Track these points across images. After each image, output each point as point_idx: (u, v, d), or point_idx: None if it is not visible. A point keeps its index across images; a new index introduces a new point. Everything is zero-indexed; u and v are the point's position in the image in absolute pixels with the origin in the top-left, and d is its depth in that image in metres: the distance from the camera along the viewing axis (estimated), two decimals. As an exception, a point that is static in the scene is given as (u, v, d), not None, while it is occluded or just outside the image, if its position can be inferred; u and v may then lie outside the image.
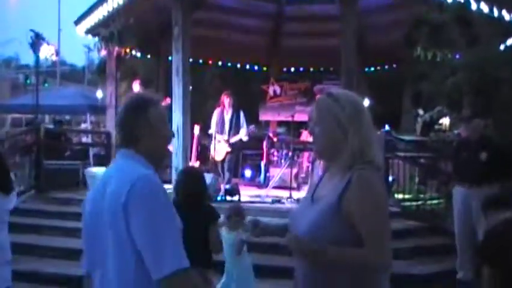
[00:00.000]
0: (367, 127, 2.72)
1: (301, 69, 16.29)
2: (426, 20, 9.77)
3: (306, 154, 12.42)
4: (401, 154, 10.45)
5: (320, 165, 2.98)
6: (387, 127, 12.16)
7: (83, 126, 23.32)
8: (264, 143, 13.34)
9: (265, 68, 16.57)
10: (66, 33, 39.54)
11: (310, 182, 2.69)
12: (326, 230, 2.59)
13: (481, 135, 7.43)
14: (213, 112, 11.68)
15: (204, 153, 11.98)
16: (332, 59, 11.32)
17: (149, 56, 15.08)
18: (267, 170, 12.90)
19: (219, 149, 11.12)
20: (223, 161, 11.18)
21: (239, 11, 13.79)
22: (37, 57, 15.15)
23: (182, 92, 9.78)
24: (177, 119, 9.80)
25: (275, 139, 13.83)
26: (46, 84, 32.49)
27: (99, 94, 24.95)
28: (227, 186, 10.35)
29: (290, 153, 11.94)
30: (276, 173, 12.10)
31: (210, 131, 11.30)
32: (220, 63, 16.40)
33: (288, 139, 12.95)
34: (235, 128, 11.06)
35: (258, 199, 10.46)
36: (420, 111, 17.63)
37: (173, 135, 9.02)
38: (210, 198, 7.36)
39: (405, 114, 19.45)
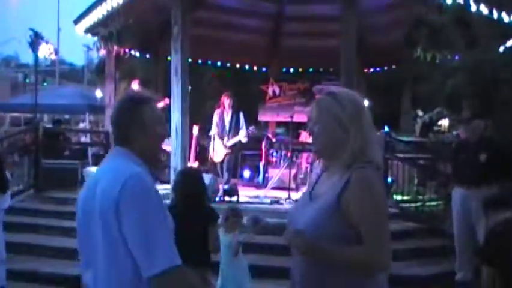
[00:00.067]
0: (368, 126, 2.71)
1: (300, 69, 16.26)
2: (425, 21, 9.76)
3: (305, 155, 12.41)
4: (400, 155, 10.44)
5: (318, 166, 2.96)
6: (386, 128, 12.15)
7: (81, 125, 23.33)
8: (263, 144, 13.33)
9: (264, 69, 16.54)
10: (65, 32, 39.60)
11: (309, 183, 2.69)
12: (325, 229, 2.59)
13: (481, 137, 7.41)
14: (211, 113, 11.68)
15: (202, 153, 11.96)
16: (331, 60, 11.32)
17: (148, 56, 15.05)
18: (265, 171, 12.89)
19: (218, 150, 11.11)
20: (222, 161, 11.17)
21: (239, 11, 13.77)
22: (36, 56, 15.13)
23: (181, 92, 9.76)
24: (176, 119, 9.78)
25: (274, 140, 13.83)
26: (45, 84, 32.56)
27: (98, 93, 24.98)
28: (226, 187, 10.33)
29: (289, 154, 11.92)
30: (275, 174, 12.08)
31: (211, 133, 11.27)
32: (219, 63, 16.36)
33: (287, 140, 12.94)
34: (234, 129, 11.04)
35: (256, 200, 10.44)
36: (420, 113, 17.63)
37: (168, 134, 9.01)
38: (209, 199, 7.34)
39: (404, 115, 19.50)
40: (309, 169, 11.94)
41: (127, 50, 11.98)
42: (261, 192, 11.18)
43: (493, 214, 4.60)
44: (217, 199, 9.78)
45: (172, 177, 9.14)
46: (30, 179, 11.07)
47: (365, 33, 12.67)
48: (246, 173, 13.54)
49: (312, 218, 2.63)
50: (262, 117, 15.77)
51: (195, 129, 11.17)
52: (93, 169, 10.70)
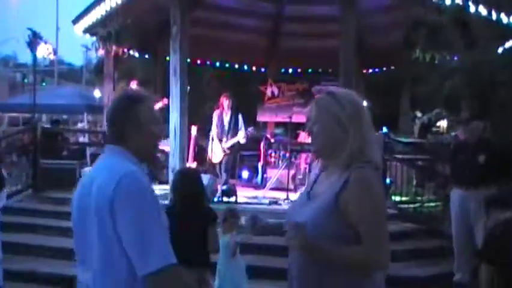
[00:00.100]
0: (367, 126, 2.71)
1: (299, 70, 16.26)
2: (424, 21, 9.75)
3: (303, 155, 12.39)
4: (399, 156, 10.43)
5: (317, 166, 2.96)
6: (385, 129, 12.14)
7: (79, 125, 23.31)
8: (262, 144, 13.32)
9: (263, 69, 16.53)
10: (64, 32, 39.50)
11: (307, 182, 2.69)
12: (323, 228, 2.59)
13: (479, 138, 7.41)
14: (210, 113, 11.67)
15: (201, 154, 11.95)
16: (330, 60, 11.33)
17: (147, 56, 15.06)
18: (264, 171, 12.88)
19: (216, 151, 11.10)
20: (220, 162, 11.16)
21: (238, 11, 13.77)
22: (35, 56, 15.12)
23: (179, 92, 9.74)
24: (174, 120, 9.77)
25: (272, 140, 13.82)
26: (44, 84, 32.53)
27: (97, 94, 24.96)
28: (224, 188, 10.32)
29: (287, 155, 11.92)
30: (273, 175, 12.06)
31: (210, 133, 11.26)
32: (218, 63, 16.36)
33: (285, 140, 12.94)
34: (233, 130, 11.03)
35: (255, 200, 10.43)
36: (418, 114, 17.62)
37: (167, 135, 9.01)
38: (208, 199, 7.33)
39: (403, 116, 19.46)
40: (307, 170, 11.92)
41: (125, 50, 11.97)
42: (259, 193, 11.16)
43: (494, 213, 4.61)
44: (215, 200, 9.77)
45: (171, 177, 9.13)
46: (29, 179, 11.06)
47: (364, 34, 12.68)
48: (245, 174, 13.52)
49: (310, 217, 2.63)
50: (261, 118, 15.76)
51: (194, 130, 11.15)
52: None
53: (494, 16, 10.61)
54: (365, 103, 2.96)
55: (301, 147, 12.24)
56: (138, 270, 2.32)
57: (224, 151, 11.03)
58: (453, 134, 13.51)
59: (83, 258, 2.56)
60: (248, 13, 14.04)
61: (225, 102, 11.10)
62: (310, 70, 16.16)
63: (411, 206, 10.19)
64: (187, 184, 5.24)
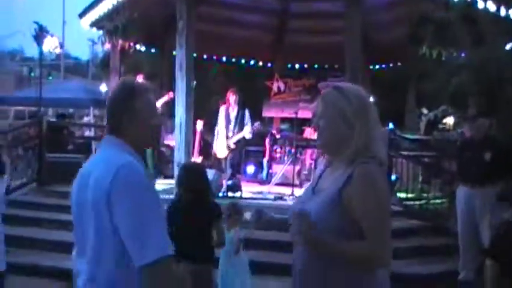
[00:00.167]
0: (373, 122, 2.70)
1: (305, 65, 16.22)
2: (431, 17, 9.70)
3: (309, 151, 12.38)
4: (405, 153, 10.40)
5: (322, 162, 2.94)
6: (391, 125, 12.10)
7: (85, 119, 23.34)
8: (267, 140, 13.31)
9: (269, 64, 16.49)
10: (71, 26, 39.53)
11: (313, 178, 2.68)
12: (327, 222, 2.58)
13: (485, 135, 7.37)
14: (216, 108, 11.65)
15: (206, 148, 11.93)
16: (336, 56, 11.29)
17: (153, 50, 15.04)
18: (269, 167, 12.87)
19: (222, 146, 11.08)
20: (226, 157, 11.14)
21: (244, 7, 13.75)
22: (41, 49, 15.12)
23: (185, 87, 9.72)
24: (180, 114, 9.75)
25: (278, 136, 13.80)
26: (50, 77, 32.57)
27: (103, 88, 24.97)
28: (229, 183, 10.31)
29: (293, 150, 11.91)
30: (279, 170, 12.06)
31: (217, 128, 11.24)
32: (224, 58, 16.34)
33: (291, 136, 12.91)
34: (239, 125, 11.00)
35: (260, 196, 10.43)
36: (424, 111, 17.57)
37: (172, 129, 8.99)
38: (213, 194, 7.31)
39: (409, 113, 19.41)
40: (313, 165, 11.91)
41: (132, 44, 11.97)
42: (264, 188, 11.15)
43: (499, 211, 4.61)
44: (220, 195, 9.76)
45: (176, 172, 9.12)
46: (34, 172, 11.07)
47: (369, 30, 12.64)
48: (250, 169, 13.50)
49: (314, 211, 2.62)
50: (267, 113, 15.74)
51: (199, 125, 11.14)
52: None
53: (503, 12, 10.52)
54: (371, 99, 2.95)
55: (307, 143, 12.22)
56: (135, 261, 2.32)
57: (230, 146, 11.01)
58: (459, 131, 13.46)
59: (82, 250, 2.56)
60: (253, 9, 14.02)
61: (232, 97, 11.08)
62: (316, 66, 16.11)
63: (417, 203, 10.16)
64: (192, 179, 5.23)
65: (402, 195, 10.19)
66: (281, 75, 15.44)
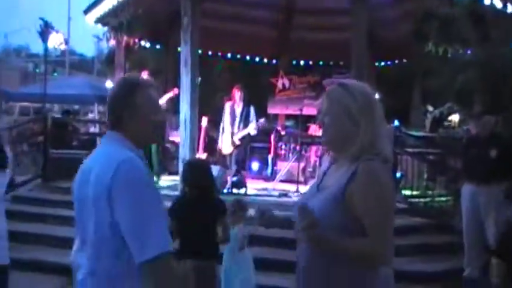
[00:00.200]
0: (379, 119, 2.69)
1: (311, 62, 16.19)
2: (436, 14, 9.66)
3: (313, 148, 12.35)
4: (410, 150, 10.38)
5: (327, 159, 2.94)
6: (396, 122, 12.07)
7: (90, 116, 23.36)
8: (272, 137, 13.28)
9: (274, 61, 16.47)
10: (76, 22, 39.61)
11: (318, 175, 2.69)
12: (330, 219, 2.57)
13: (491, 132, 7.34)
14: (221, 104, 11.63)
15: (211, 145, 11.92)
16: (342, 53, 11.26)
17: (158, 47, 15.03)
18: (274, 164, 12.84)
19: (227, 143, 11.06)
20: (231, 153, 11.12)
21: (249, 3, 13.75)
22: (46, 45, 15.12)
23: (190, 83, 9.70)
24: (185, 111, 9.74)
25: (283, 132, 13.77)
26: (55, 74, 32.61)
27: (108, 84, 24.99)
28: (234, 179, 10.30)
29: (298, 147, 11.89)
30: (284, 167, 12.05)
31: (222, 124, 11.23)
32: (229, 55, 16.32)
33: (296, 133, 12.89)
34: (244, 122, 10.98)
35: (264, 192, 10.42)
36: (430, 108, 17.55)
37: (177, 125, 8.98)
38: (218, 190, 7.31)
39: (414, 110, 19.39)
40: (317, 162, 11.88)
41: (136, 41, 11.96)
42: (269, 185, 11.15)
43: (508, 207, 4.60)
44: (225, 191, 9.76)
45: (181, 168, 9.12)
46: (38, 168, 11.08)
47: (375, 27, 12.60)
48: (255, 166, 13.47)
49: (318, 208, 2.61)
50: (272, 110, 15.71)
51: (204, 121, 11.14)
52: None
53: (510, 9, 10.46)
54: (376, 96, 2.93)
55: (312, 140, 12.20)
56: (136, 258, 2.33)
57: (235, 142, 10.99)
58: (465, 128, 13.44)
59: (83, 245, 2.58)
60: (258, 5, 14.02)
61: (237, 94, 11.05)
62: (321, 63, 16.07)
63: (422, 200, 10.13)
64: (197, 175, 5.23)
65: (407, 192, 10.17)
66: (286, 72, 15.40)
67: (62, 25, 33.55)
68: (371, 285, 2.61)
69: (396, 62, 16.04)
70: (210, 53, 15.42)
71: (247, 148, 12.10)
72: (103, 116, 22.75)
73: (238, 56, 16.42)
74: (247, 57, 16.47)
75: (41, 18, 14.73)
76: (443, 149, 10.98)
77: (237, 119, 10.98)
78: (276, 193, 10.15)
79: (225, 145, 11.05)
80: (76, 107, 26.35)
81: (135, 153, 2.54)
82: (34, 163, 11.42)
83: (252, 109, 11.02)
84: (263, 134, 13.04)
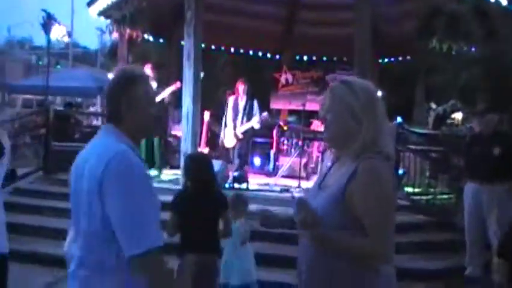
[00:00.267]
0: (381, 117, 2.69)
1: (314, 57, 16.15)
2: (442, 10, 9.62)
3: (316, 144, 12.34)
4: (412, 147, 10.35)
5: (330, 157, 2.92)
6: (399, 119, 12.04)
7: (92, 109, 23.34)
8: (274, 132, 13.25)
9: (278, 56, 16.45)
10: (80, 15, 39.58)
11: (320, 173, 2.69)
12: (332, 217, 2.57)
13: (494, 130, 7.31)
14: (224, 99, 11.61)
15: (213, 139, 11.90)
16: (345, 49, 11.22)
17: (161, 40, 15.01)
18: (276, 159, 12.81)
19: (230, 136, 11.04)
20: (233, 147, 11.10)
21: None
22: (48, 37, 15.10)
23: (193, 77, 9.67)
24: (187, 104, 9.71)
25: (285, 128, 13.74)
26: (59, 66, 32.59)
27: (111, 77, 24.99)
28: (235, 174, 10.29)
29: (300, 143, 11.87)
30: (286, 162, 12.02)
31: (225, 118, 11.21)
32: (232, 49, 16.30)
33: (298, 128, 12.87)
34: (248, 115, 10.96)
35: (266, 187, 10.39)
36: (433, 105, 17.52)
37: (179, 119, 8.95)
38: (219, 185, 7.28)
39: (417, 107, 19.34)
40: (320, 158, 11.87)
41: (139, 34, 11.91)
42: (271, 180, 11.12)
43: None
44: (226, 186, 9.74)
45: (182, 162, 9.11)
46: (40, 161, 11.07)
47: (379, 23, 12.56)
48: (257, 161, 13.44)
49: (320, 206, 2.61)
50: (275, 105, 15.69)
51: (206, 115, 11.12)
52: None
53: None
54: (379, 93, 2.92)
55: (314, 136, 12.17)
56: (125, 252, 2.33)
57: (238, 136, 10.97)
58: (468, 126, 13.40)
59: (77, 237, 2.58)
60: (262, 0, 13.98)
61: (241, 87, 11.04)
62: (325, 58, 16.04)
63: (424, 197, 10.10)
64: (197, 169, 5.22)
65: (409, 189, 10.14)
66: (289, 67, 15.38)
67: (66, 18, 33.51)
68: (373, 284, 2.60)
69: (400, 58, 15.98)
70: (213, 47, 15.40)
71: (250, 142, 12.08)
72: (105, 109, 22.79)
73: (242, 51, 16.42)
74: (251, 52, 16.47)
75: (44, 10, 14.71)
76: (446, 146, 10.92)
77: (240, 113, 10.97)
78: (278, 188, 10.12)
79: (228, 138, 11.03)
80: (79, 99, 26.33)
81: (130, 146, 2.53)
82: (36, 155, 11.40)
83: (255, 103, 11.01)
84: (265, 129, 13.01)
